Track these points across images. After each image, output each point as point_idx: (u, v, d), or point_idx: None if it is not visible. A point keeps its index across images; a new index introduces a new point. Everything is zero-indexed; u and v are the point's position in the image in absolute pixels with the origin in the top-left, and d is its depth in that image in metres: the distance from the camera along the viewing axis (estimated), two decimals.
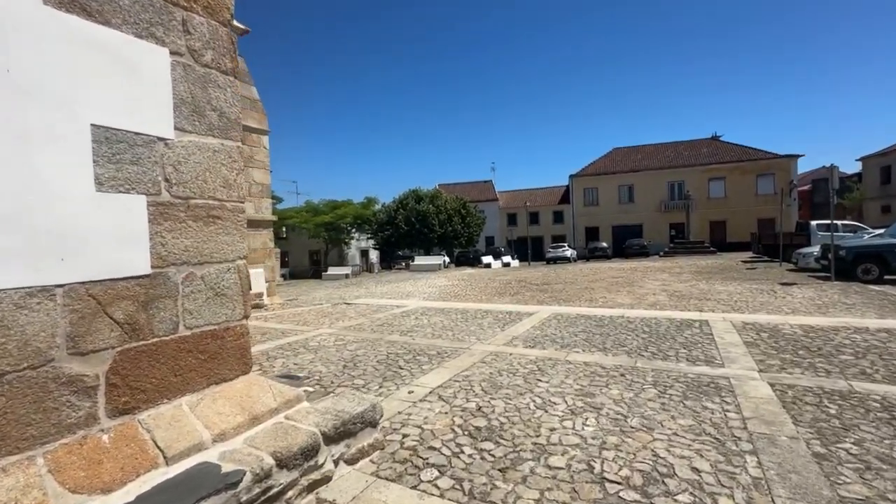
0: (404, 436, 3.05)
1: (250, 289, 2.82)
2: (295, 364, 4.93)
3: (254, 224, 11.21)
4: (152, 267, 2.21)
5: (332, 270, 25.98)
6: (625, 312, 7.62)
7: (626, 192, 38.91)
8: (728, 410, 3.26)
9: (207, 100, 2.54)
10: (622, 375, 4.14)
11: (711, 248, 29.06)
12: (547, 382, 4.01)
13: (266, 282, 11.51)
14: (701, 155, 38.69)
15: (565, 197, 43.31)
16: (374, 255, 37.08)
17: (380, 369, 4.63)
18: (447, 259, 32.87)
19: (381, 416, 2.90)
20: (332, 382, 4.24)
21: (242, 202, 2.78)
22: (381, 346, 5.70)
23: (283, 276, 27.98)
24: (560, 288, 13.00)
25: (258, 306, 9.94)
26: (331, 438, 2.50)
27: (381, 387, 4.07)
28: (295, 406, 2.74)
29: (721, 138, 40.29)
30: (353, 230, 32.03)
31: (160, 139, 2.28)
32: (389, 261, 37.37)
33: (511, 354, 5.03)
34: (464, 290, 13.85)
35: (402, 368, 4.64)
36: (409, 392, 3.89)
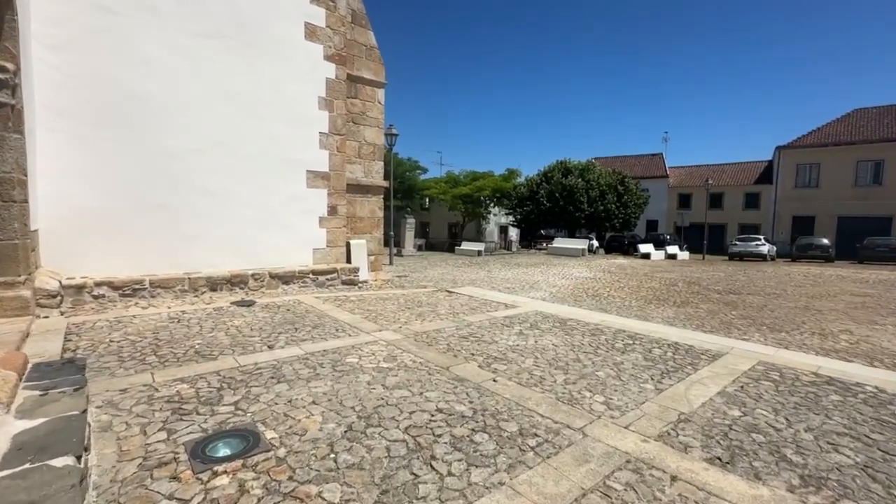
0: None
1: None
2: (286, 405, 3.09)
3: (361, 189, 10.02)
4: None
5: (464, 245, 24.67)
6: None
7: (870, 169, 27.78)
8: None
9: None
10: None
11: None
12: None
13: (371, 255, 10.34)
14: None
15: (765, 175, 33.56)
16: (513, 233, 34.72)
17: (393, 461, 2.43)
18: (595, 243, 28.51)
19: None
20: (287, 485, 2.21)
21: None
22: (437, 387, 3.49)
23: (419, 246, 27.94)
24: (759, 303, 8.78)
25: (351, 283, 8.73)
26: None
27: None
28: None
29: None
30: (492, 204, 30.05)
31: None
32: (530, 239, 34.59)
33: (676, 479, 2.28)
34: (606, 287, 10.62)
35: (432, 466, 2.37)
36: None
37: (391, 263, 15.38)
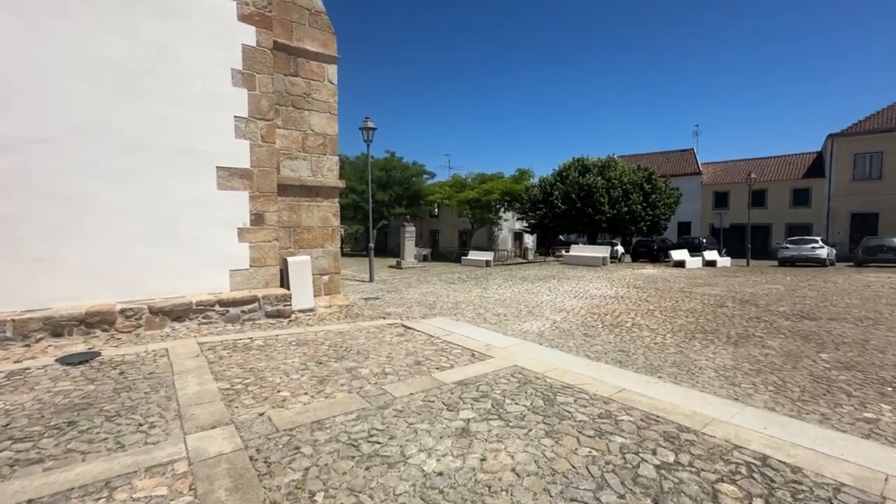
0: None
1: None
2: None
3: (307, 191, 7.88)
4: None
5: (472, 255, 22.24)
6: None
7: None
8: None
9: None
10: None
11: None
12: None
13: (324, 275, 8.16)
14: None
15: (815, 168, 29.79)
16: (529, 240, 32.02)
17: None
18: (620, 249, 25.59)
19: None
20: None
21: None
22: None
23: (424, 256, 25.74)
24: (854, 336, 6.06)
25: (279, 314, 6.54)
26: None
27: None
28: None
29: None
30: (502, 208, 27.50)
31: None
32: (548, 246, 31.85)
33: None
34: (631, 311, 8.07)
35: None
36: None
37: (371, 280, 13.19)
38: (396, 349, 4.97)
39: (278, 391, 3.63)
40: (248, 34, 6.58)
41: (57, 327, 4.99)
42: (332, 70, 8.14)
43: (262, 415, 3.15)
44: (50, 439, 2.77)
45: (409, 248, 20.87)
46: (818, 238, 20.49)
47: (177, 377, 3.91)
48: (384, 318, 7.15)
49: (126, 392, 3.56)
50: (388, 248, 34.26)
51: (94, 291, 5.53)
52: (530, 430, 2.93)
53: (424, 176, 31.52)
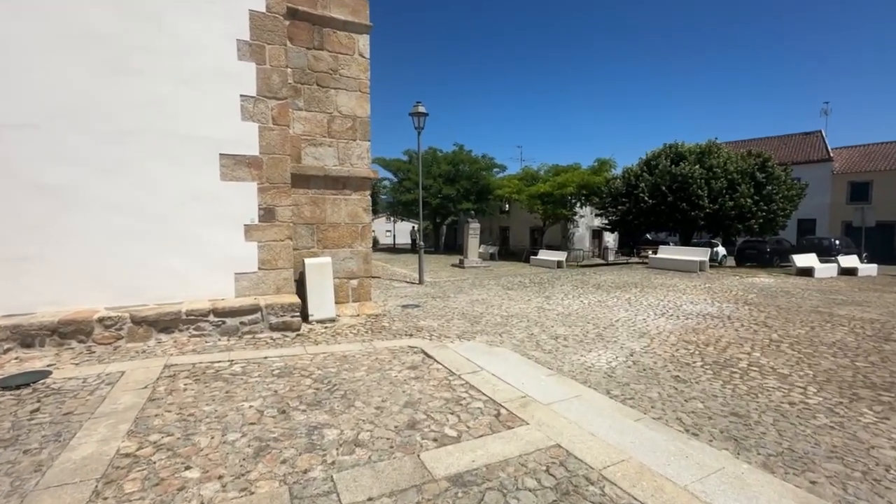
0: None
1: None
2: None
3: (335, 183, 6.85)
4: None
5: (542, 255, 20.20)
6: None
7: None
8: None
9: None
10: None
11: None
12: None
13: (352, 279, 7.10)
14: None
15: None
16: (609, 239, 28.78)
17: None
18: (722, 251, 21.76)
19: None
20: None
21: None
22: None
23: (491, 255, 24.14)
24: None
25: (286, 327, 5.54)
26: None
27: None
28: None
29: None
30: (578, 203, 24.73)
31: None
32: (632, 246, 28.41)
33: None
34: (742, 341, 5.89)
35: None
36: None
37: (420, 282, 12.00)
38: (396, 393, 3.62)
39: (188, 467, 2.47)
40: None
41: (27, 337, 4.41)
42: (363, 41, 7.00)
43: None
44: None
45: (473, 246, 19.45)
46: None
47: (89, 424, 2.95)
48: (411, 335, 5.86)
49: (7, 447, 2.65)
50: (458, 246, 33.15)
51: (83, 295, 4.94)
52: None
53: (495, 169, 29.79)
